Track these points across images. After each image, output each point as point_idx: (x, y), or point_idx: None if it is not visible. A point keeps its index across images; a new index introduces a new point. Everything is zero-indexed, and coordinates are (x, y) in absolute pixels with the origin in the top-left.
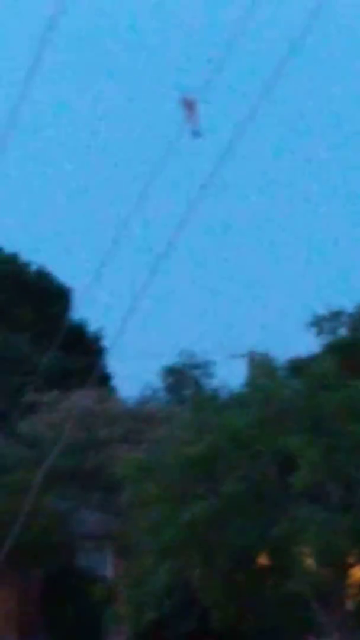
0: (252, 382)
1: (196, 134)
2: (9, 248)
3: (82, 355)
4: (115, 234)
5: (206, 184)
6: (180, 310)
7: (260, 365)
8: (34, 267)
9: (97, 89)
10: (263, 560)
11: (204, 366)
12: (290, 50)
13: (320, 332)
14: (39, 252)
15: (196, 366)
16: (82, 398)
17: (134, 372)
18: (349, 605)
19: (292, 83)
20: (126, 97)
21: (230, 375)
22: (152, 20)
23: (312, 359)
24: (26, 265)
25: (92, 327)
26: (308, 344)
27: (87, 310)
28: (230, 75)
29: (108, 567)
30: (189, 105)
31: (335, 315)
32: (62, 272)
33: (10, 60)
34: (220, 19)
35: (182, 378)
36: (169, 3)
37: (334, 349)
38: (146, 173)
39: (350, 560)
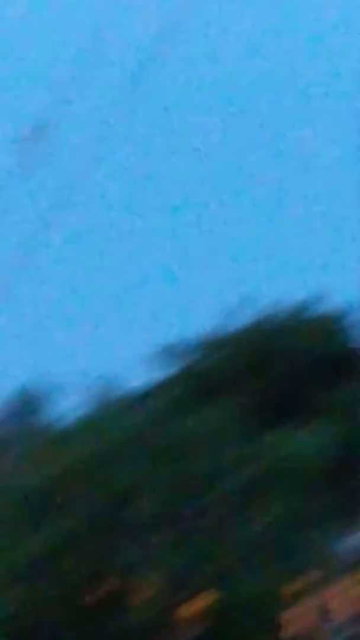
0: (85, 414)
1: None
2: None
3: None
4: None
5: None
6: (25, 339)
7: (94, 396)
8: None
9: None
10: (97, 595)
11: (42, 398)
12: None
13: (166, 360)
14: None
15: (34, 399)
16: None
17: None
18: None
19: None
20: None
21: (69, 406)
22: None
23: (158, 386)
24: None
25: None
26: (152, 373)
27: None
28: None
29: None
30: None
31: (184, 344)
32: None
33: None
34: None
35: (27, 404)
36: None
37: (183, 376)
38: None
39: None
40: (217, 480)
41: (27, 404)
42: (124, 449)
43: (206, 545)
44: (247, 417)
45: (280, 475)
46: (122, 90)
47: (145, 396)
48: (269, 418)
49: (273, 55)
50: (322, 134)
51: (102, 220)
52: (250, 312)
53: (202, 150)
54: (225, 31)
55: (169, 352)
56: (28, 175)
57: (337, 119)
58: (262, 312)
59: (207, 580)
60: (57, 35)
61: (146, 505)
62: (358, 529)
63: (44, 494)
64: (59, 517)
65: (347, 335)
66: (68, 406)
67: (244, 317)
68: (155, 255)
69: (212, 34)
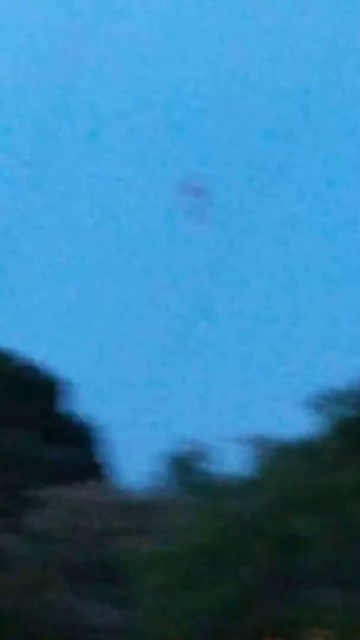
0: (257, 466)
1: None
2: (8, 345)
3: (80, 447)
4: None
5: None
6: (176, 399)
7: (264, 448)
8: (34, 363)
9: None
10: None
11: (205, 451)
12: None
13: (320, 413)
14: (31, 347)
15: (199, 454)
16: (85, 491)
17: (135, 461)
18: None
19: None
20: None
21: (229, 461)
22: None
23: (317, 440)
24: (25, 360)
25: (95, 420)
26: (307, 426)
27: (87, 402)
28: None
29: None
30: None
31: (338, 395)
32: (65, 367)
33: None
34: None
35: (186, 465)
36: None
37: (340, 429)
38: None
39: None
40: None
41: (195, 456)
42: (297, 499)
43: None
44: None
45: None
46: None
47: (308, 446)
48: None
49: None
50: None
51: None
52: None
53: None
54: None
55: (324, 400)
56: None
57: None
58: None
59: None
60: None
61: (319, 556)
62: None
63: (222, 545)
64: (237, 568)
65: None
66: (233, 459)
67: None
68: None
69: None
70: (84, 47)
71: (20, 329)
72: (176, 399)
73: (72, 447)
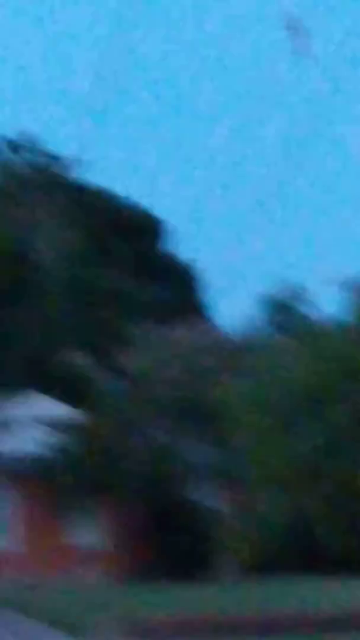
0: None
1: None
2: (99, 182)
3: (180, 288)
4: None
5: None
6: (270, 237)
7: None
8: (124, 200)
9: None
10: None
11: (304, 295)
12: None
13: None
14: (129, 186)
15: (296, 295)
16: (184, 331)
17: (233, 304)
18: None
19: None
20: None
21: (327, 304)
22: None
23: None
24: (121, 198)
25: (191, 260)
26: None
27: (181, 242)
28: None
29: (217, 500)
30: None
31: None
32: (157, 205)
33: None
34: None
35: (284, 308)
36: None
37: None
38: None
39: None
40: None
41: (294, 298)
42: None
43: None
44: None
45: None
46: None
47: None
48: None
49: None
50: None
51: None
52: None
53: None
54: None
55: None
56: None
57: None
58: None
59: None
60: None
61: None
62: None
63: (322, 388)
64: (337, 410)
65: None
66: (333, 302)
67: None
68: None
69: None
70: None
71: (122, 169)
72: (277, 242)
73: (170, 288)
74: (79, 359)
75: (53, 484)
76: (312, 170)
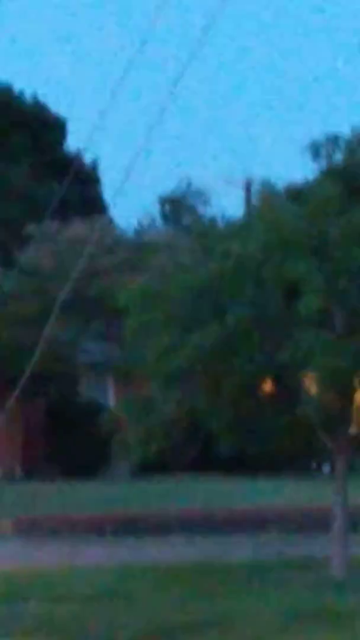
0: (254, 209)
1: None
2: (2, 78)
3: (78, 185)
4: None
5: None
6: (176, 139)
7: (262, 192)
8: (28, 98)
9: None
10: (269, 386)
11: (201, 194)
12: None
13: (316, 157)
14: (33, 83)
15: (194, 194)
16: (80, 228)
17: (130, 202)
18: (354, 430)
19: None
20: None
21: (227, 205)
22: None
23: (310, 186)
24: (21, 95)
25: (88, 157)
26: (304, 172)
27: (82, 141)
28: None
29: (110, 397)
30: None
31: (332, 140)
32: (57, 103)
33: None
34: None
35: (180, 206)
36: None
37: (332, 175)
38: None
39: (355, 384)
40: None
41: (184, 202)
42: (292, 243)
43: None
44: None
45: None
46: None
47: (299, 193)
48: None
49: None
50: None
51: None
52: None
53: None
54: None
55: (323, 146)
56: None
57: None
58: None
59: None
60: None
61: (313, 300)
62: None
63: (218, 286)
64: (232, 308)
65: None
66: (227, 203)
67: None
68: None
69: None
70: None
71: (16, 60)
72: (176, 139)
73: (71, 185)
74: None
75: None
76: (210, 68)
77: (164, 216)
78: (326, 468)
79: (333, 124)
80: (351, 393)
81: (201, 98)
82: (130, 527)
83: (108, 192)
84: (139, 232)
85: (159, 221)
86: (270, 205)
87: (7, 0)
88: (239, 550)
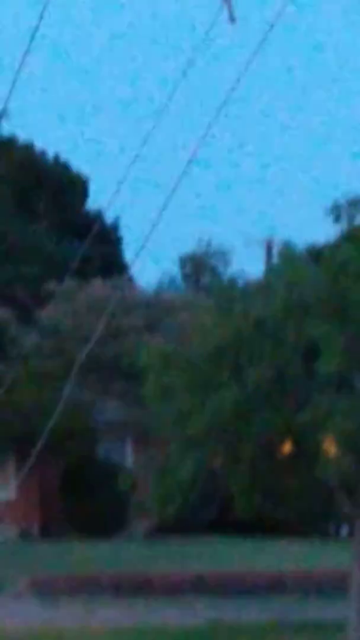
0: (274, 270)
1: (232, 19)
2: (25, 137)
3: (99, 245)
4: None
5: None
6: (197, 199)
7: (283, 252)
8: (50, 156)
9: None
10: (287, 448)
11: (222, 254)
12: None
13: (337, 219)
14: (55, 141)
15: (215, 254)
16: (100, 287)
17: (151, 263)
18: None
19: None
20: None
21: (247, 264)
22: None
23: (331, 247)
24: (42, 154)
25: (109, 216)
26: (325, 233)
27: (103, 199)
28: None
29: (128, 457)
30: None
31: (354, 203)
32: (79, 161)
33: None
34: None
35: (201, 266)
36: None
37: (353, 237)
38: (175, 63)
39: None
40: None
41: (204, 262)
42: (313, 304)
43: None
44: None
45: None
46: None
47: (320, 254)
48: None
49: None
50: None
51: None
52: None
53: None
54: None
55: (345, 208)
56: None
57: None
58: None
59: None
60: None
61: (332, 362)
62: None
63: (237, 346)
64: (251, 369)
65: None
66: (247, 263)
67: None
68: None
69: None
70: None
71: (40, 120)
72: (195, 198)
73: (92, 245)
74: None
75: None
76: (236, 130)
77: (184, 276)
78: (344, 531)
79: (356, 186)
80: None
81: (223, 157)
82: (146, 588)
83: (129, 250)
84: (158, 291)
85: (179, 281)
86: (291, 265)
87: (31, 63)
88: (255, 612)
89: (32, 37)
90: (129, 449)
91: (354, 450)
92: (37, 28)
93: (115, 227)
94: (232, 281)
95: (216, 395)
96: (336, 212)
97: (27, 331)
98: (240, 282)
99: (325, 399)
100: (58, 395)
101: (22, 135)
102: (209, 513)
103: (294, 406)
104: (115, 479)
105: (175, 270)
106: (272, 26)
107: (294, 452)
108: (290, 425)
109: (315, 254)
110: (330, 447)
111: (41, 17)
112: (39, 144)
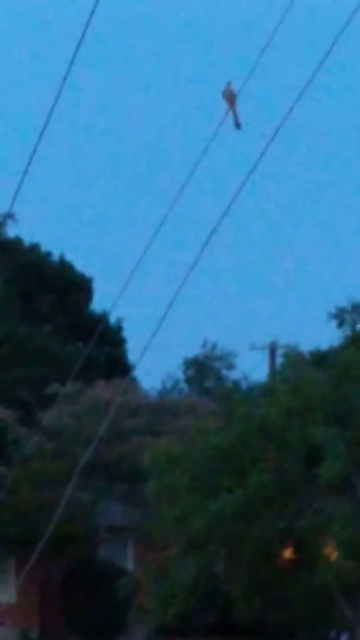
0: (278, 373)
1: (237, 125)
2: (30, 239)
3: (103, 346)
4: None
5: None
6: (201, 302)
7: (286, 357)
8: (55, 258)
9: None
10: (288, 553)
11: (225, 358)
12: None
13: (341, 324)
14: (60, 243)
15: (217, 358)
16: (104, 389)
17: (155, 364)
18: None
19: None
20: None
21: (251, 368)
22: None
23: (334, 351)
24: (47, 255)
25: (113, 317)
26: (329, 337)
27: (108, 299)
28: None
29: (129, 560)
30: (229, 98)
31: (357, 308)
32: (83, 263)
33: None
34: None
35: (204, 369)
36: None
37: (356, 341)
38: (176, 167)
39: None
40: None
41: (207, 365)
42: (315, 409)
43: None
44: None
45: None
46: None
47: (323, 359)
48: None
49: None
50: None
51: None
52: None
53: None
54: None
55: (348, 313)
56: None
57: None
58: None
59: None
60: None
61: (334, 467)
62: None
63: (240, 450)
64: (254, 472)
65: None
66: (251, 366)
67: None
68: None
69: None
70: None
71: (44, 222)
72: (199, 303)
73: (96, 346)
74: (2, 414)
75: None
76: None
77: (188, 379)
78: (344, 637)
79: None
80: None
81: (226, 261)
82: None
83: (133, 352)
84: (162, 394)
85: (182, 383)
86: (294, 370)
87: (36, 165)
88: None
89: (33, 152)
90: (130, 552)
91: (355, 555)
92: (38, 141)
93: (119, 329)
94: (236, 385)
95: (218, 498)
96: (340, 317)
97: (30, 433)
98: (244, 386)
99: (326, 504)
100: (59, 498)
101: (27, 238)
102: (210, 616)
103: (295, 511)
104: (116, 581)
105: (179, 373)
106: (272, 138)
107: (295, 557)
108: (291, 530)
109: (319, 358)
110: (331, 552)
111: (42, 132)
112: (44, 246)
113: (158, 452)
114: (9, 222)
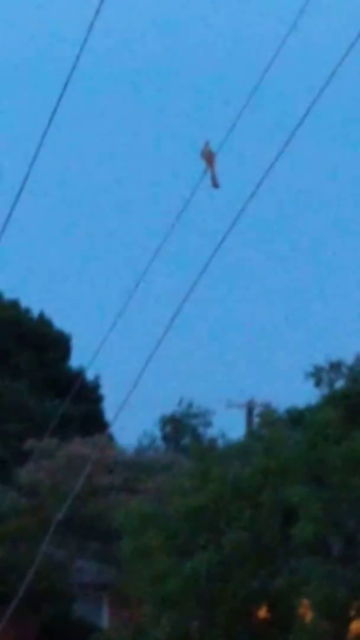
0: (253, 432)
1: (215, 185)
2: (9, 294)
3: (80, 402)
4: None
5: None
6: (179, 359)
7: (262, 416)
8: (34, 314)
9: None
10: (263, 612)
11: (202, 415)
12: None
13: (318, 383)
14: (39, 299)
15: (194, 415)
16: (80, 446)
17: (132, 421)
18: None
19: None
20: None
21: (228, 425)
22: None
23: (311, 410)
24: (27, 311)
25: (90, 374)
26: (306, 395)
27: (86, 355)
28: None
29: (104, 618)
30: (208, 158)
31: (334, 367)
32: (63, 319)
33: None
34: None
35: (181, 426)
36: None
37: (334, 400)
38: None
39: (351, 613)
40: None
41: (184, 423)
42: (291, 468)
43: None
44: None
45: None
46: None
47: (300, 417)
48: None
49: None
50: None
51: None
52: None
53: None
54: None
55: (325, 372)
56: None
57: None
58: None
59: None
60: None
61: (310, 527)
62: None
63: (215, 509)
64: (229, 532)
65: None
66: (228, 424)
67: None
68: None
69: None
70: None
71: (21, 278)
72: (176, 359)
73: (72, 402)
74: None
75: None
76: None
77: (165, 436)
78: None
79: (336, 348)
80: (347, 622)
81: (203, 319)
82: None
83: (110, 409)
84: (139, 451)
85: (159, 441)
86: (270, 429)
87: (15, 220)
88: None
89: (13, 206)
90: (105, 610)
91: (330, 616)
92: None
93: (96, 386)
94: (211, 444)
95: (193, 557)
96: (317, 375)
97: (6, 489)
98: (220, 444)
99: (301, 564)
100: (34, 555)
101: (7, 293)
102: None
103: (271, 570)
104: (90, 639)
105: (155, 430)
106: (252, 195)
107: (270, 617)
108: (266, 589)
109: (297, 416)
110: (306, 612)
111: (21, 190)
112: (24, 302)
113: (131, 510)
114: None
